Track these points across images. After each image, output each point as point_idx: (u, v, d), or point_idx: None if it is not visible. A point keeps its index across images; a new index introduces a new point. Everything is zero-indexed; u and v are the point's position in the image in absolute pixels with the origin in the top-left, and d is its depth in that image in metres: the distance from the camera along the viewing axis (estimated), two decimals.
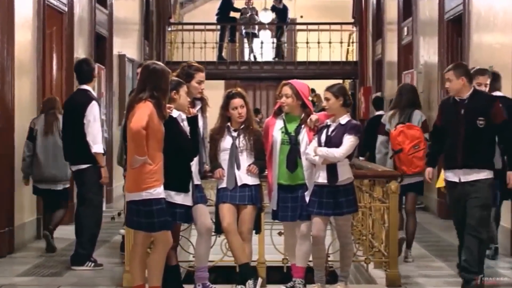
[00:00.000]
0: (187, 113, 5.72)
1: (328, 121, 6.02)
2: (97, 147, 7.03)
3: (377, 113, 10.77)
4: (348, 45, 19.85)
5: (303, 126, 6.10)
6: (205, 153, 6.16)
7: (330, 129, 5.97)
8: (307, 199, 6.02)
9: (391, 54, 14.99)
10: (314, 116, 6.06)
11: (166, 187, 5.46)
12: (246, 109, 6.16)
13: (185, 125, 5.72)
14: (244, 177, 6.12)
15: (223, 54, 18.62)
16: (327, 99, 5.97)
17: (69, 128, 7.20)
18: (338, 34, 18.49)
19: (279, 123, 6.17)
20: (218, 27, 18.56)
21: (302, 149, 6.06)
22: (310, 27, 18.32)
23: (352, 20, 18.87)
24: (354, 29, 18.92)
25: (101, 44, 12.27)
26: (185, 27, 19.23)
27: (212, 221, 6.22)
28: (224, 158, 6.17)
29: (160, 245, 5.39)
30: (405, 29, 13.68)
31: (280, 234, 6.56)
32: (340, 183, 5.90)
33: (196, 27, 18.24)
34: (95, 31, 11.61)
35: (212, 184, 6.57)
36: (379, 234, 6.92)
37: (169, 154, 5.47)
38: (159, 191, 5.32)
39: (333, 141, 5.87)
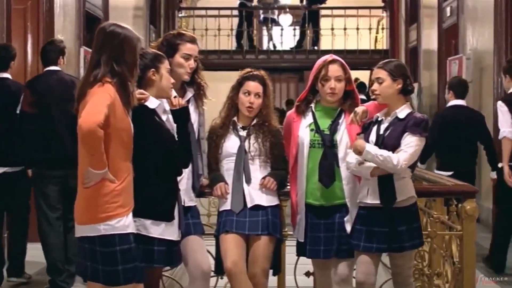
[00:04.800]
0: (170, 104, 3.90)
1: (379, 115, 4.18)
2: None
3: None
4: (377, 32, 18.20)
5: (341, 120, 4.29)
6: (201, 161, 4.35)
7: (383, 126, 4.13)
8: (348, 227, 4.23)
9: (429, 40, 13.39)
10: (360, 108, 4.22)
11: (138, 214, 3.68)
12: (264, 104, 4.42)
13: (169, 120, 3.89)
14: (256, 196, 4.34)
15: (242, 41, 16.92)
16: (379, 81, 4.13)
17: None
18: (366, 20, 16.91)
19: (306, 118, 4.38)
20: (234, 12, 16.87)
21: (340, 154, 4.24)
22: (335, 12, 16.70)
23: (383, 4, 17.19)
24: (384, 14, 17.39)
25: (93, 27, 10.53)
26: (197, 12, 17.69)
27: (212, 255, 4.41)
28: (228, 167, 4.39)
29: None
30: (448, 9, 12.05)
31: (308, 275, 4.71)
32: (399, 205, 4.09)
33: (209, 12, 16.70)
34: (85, 10, 9.90)
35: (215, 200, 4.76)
36: (440, 268, 5.07)
37: (143, 164, 3.71)
38: (125, 223, 3.52)
39: (388, 143, 4.07)
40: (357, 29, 16.23)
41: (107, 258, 3.47)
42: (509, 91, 6.64)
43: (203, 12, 17.01)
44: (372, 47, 17.75)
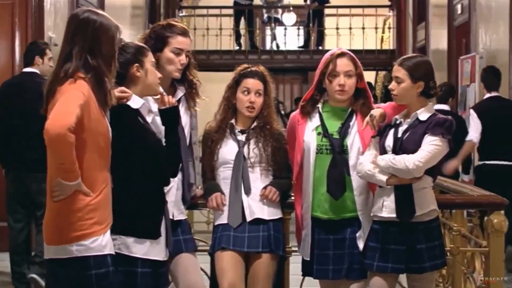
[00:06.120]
0: (160, 102, 3.41)
1: (398, 117, 3.68)
2: None
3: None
4: (383, 32, 17.75)
5: (352, 123, 3.81)
6: (193, 168, 3.88)
7: (401, 129, 3.64)
8: (360, 244, 3.74)
9: (438, 39, 12.92)
10: (377, 110, 3.73)
11: (118, 231, 3.20)
12: (265, 103, 3.94)
13: (156, 122, 3.40)
14: (256, 208, 3.85)
15: (242, 41, 16.49)
16: (397, 80, 3.64)
17: None
18: (372, 19, 16.54)
19: (313, 120, 3.88)
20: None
21: (352, 161, 3.75)
22: (340, 11, 16.26)
23: (389, 3, 16.76)
24: (391, 13, 16.95)
25: None
26: (198, 11, 17.23)
27: (207, 275, 3.94)
28: (224, 176, 3.90)
29: None
30: (458, 7, 11.64)
31: None
32: (419, 220, 3.60)
33: (211, 11, 16.26)
34: (78, 7, 9.42)
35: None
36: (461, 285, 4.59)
37: (124, 173, 3.22)
38: (101, 242, 3.04)
39: (407, 147, 3.60)
40: (363, 28, 15.81)
41: (81, 283, 2.98)
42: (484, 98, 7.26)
43: (204, 11, 16.59)
44: (378, 47, 17.40)
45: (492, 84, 7.15)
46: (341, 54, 3.82)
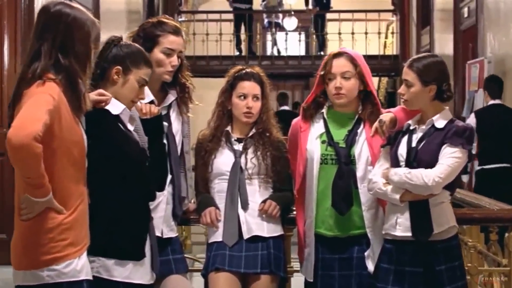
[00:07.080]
0: (139, 111, 3.06)
1: (410, 123, 3.32)
2: None
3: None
4: (386, 37, 17.51)
5: (359, 130, 3.47)
6: (185, 180, 3.53)
7: (415, 137, 3.28)
8: (370, 265, 3.39)
9: (444, 44, 12.70)
10: (387, 115, 3.38)
11: (97, 252, 2.85)
12: (263, 107, 3.60)
13: (139, 130, 3.05)
14: (254, 224, 3.50)
15: (242, 46, 16.23)
16: (407, 84, 3.28)
17: None
18: (375, 24, 16.30)
19: (316, 127, 3.53)
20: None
21: (359, 172, 3.41)
22: (342, 15, 16.07)
23: (392, 7, 16.54)
24: (394, 18, 16.78)
25: None
26: (198, 16, 17.00)
27: None
28: (219, 189, 3.55)
29: None
30: (465, 10, 11.41)
31: None
32: (437, 238, 3.24)
33: (210, 16, 16.02)
34: None
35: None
36: None
37: (102, 187, 2.87)
38: (76, 267, 2.68)
39: (422, 158, 3.23)
40: (366, 33, 15.62)
41: None
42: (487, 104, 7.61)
43: (204, 16, 16.36)
44: (381, 53, 17.22)
45: (494, 92, 7.58)
46: (338, 54, 3.47)
